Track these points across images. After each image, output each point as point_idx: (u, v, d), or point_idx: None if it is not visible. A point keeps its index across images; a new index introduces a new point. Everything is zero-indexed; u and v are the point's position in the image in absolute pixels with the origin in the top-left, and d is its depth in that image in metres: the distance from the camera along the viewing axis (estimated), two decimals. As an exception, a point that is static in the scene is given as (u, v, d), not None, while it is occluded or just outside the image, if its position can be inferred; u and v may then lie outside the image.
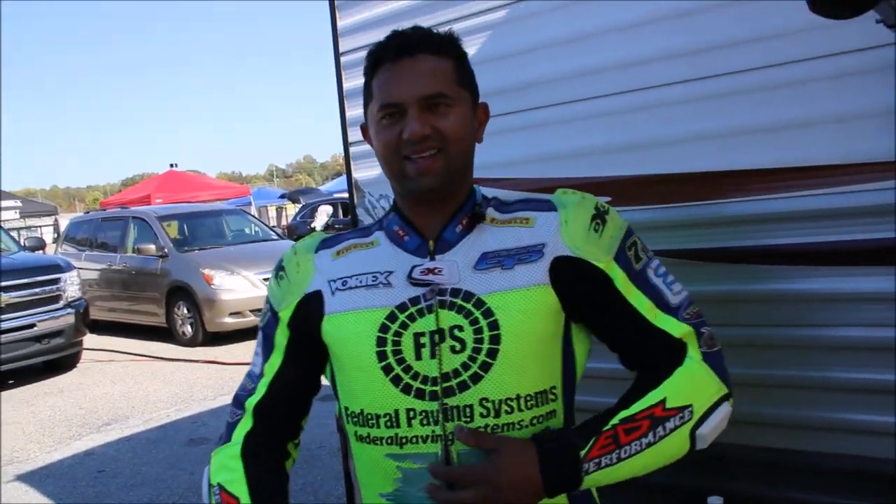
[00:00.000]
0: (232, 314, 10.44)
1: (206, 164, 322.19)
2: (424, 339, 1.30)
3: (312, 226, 21.52)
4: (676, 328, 1.34)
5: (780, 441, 2.07)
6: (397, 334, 1.31)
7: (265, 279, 10.64)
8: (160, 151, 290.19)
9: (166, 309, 11.06)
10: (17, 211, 26.61)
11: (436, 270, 1.33)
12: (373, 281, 1.37)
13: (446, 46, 1.35)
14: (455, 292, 1.31)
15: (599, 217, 1.36)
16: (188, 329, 10.77)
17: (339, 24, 2.96)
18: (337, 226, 21.08)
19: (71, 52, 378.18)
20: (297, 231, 21.96)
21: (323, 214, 21.82)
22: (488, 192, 1.47)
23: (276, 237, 13.43)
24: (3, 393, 8.39)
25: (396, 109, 1.30)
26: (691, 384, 1.31)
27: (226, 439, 1.49)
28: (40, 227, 28.24)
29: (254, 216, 15.41)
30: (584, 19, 2.27)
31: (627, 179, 2.23)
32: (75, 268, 9.84)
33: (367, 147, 3.05)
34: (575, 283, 1.32)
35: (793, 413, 2.04)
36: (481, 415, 1.27)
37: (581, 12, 2.28)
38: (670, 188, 2.16)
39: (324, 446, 5.60)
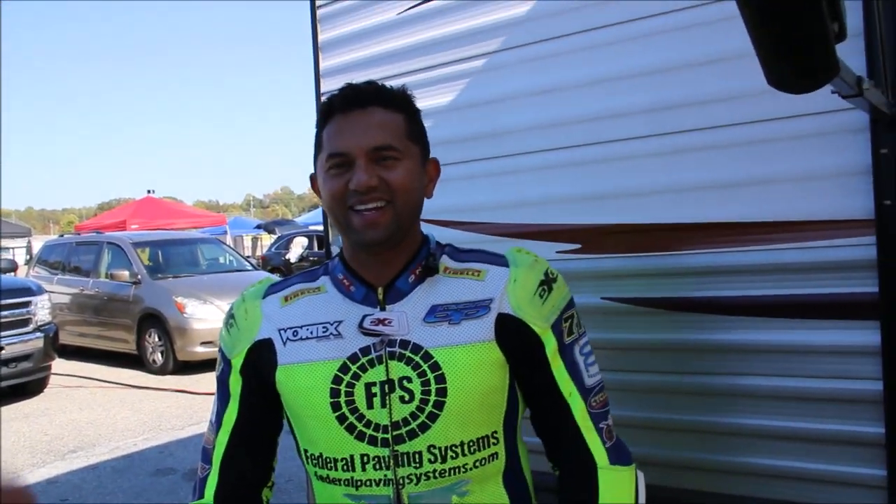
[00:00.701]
0: (203, 343, 10.37)
1: (183, 191, 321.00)
2: (375, 389, 1.34)
3: (287, 257, 21.48)
4: (588, 433, 1.40)
5: (765, 492, 2.09)
6: (350, 385, 1.35)
7: (238, 309, 10.62)
8: (137, 177, 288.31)
9: (137, 336, 10.98)
10: (-11, 232, 26.25)
11: (386, 321, 1.36)
12: (323, 332, 1.39)
13: (398, 101, 1.39)
14: (404, 344, 1.35)
15: (547, 284, 1.40)
16: (159, 357, 10.69)
17: (322, 64, 3.03)
18: (312, 258, 21.04)
19: (52, 73, 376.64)
20: (271, 262, 21.91)
21: (298, 246, 21.79)
22: (441, 237, 1.52)
23: (250, 267, 13.43)
24: (-33, 417, 8.26)
25: (344, 159, 1.32)
26: (615, 494, 1.39)
27: (198, 495, 1.52)
28: (13, 248, 27.88)
29: (229, 246, 15.37)
30: (554, 73, 2.36)
31: (594, 227, 2.30)
32: (46, 291, 9.76)
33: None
34: (514, 341, 1.37)
35: (779, 464, 2.07)
36: (429, 460, 1.34)
37: (551, 66, 2.37)
38: (640, 238, 2.22)
39: (291, 480, 5.56)
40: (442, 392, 1.32)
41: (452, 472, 1.35)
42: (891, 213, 1.85)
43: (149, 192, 25.49)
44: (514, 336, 1.36)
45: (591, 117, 2.30)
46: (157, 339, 10.72)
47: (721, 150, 2.09)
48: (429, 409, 1.33)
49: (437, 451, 1.34)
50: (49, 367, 9.48)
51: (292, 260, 21.42)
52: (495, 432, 1.39)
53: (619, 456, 1.42)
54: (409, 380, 1.33)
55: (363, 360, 1.35)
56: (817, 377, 2.01)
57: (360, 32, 2.86)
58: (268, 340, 1.43)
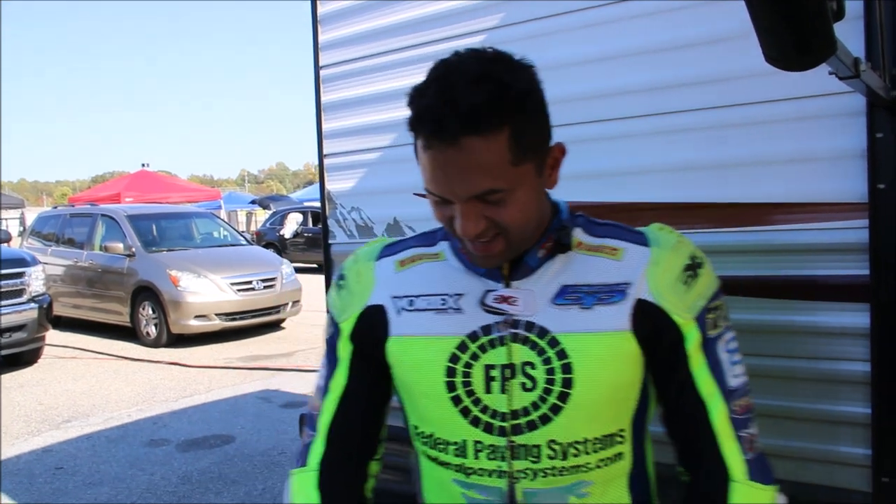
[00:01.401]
0: (197, 317, 10.43)
1: (177, 165, 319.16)
2: (495, 373, 1.23)
3: (281, 233, 21.51)
4: (726, 440, 1.23)
5: None
6: (467, 365, 1.24)
7: (232, 283, 10.67)
8: (132, 150, 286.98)
9: (131, 308, 11.00)
10: (-17, 202, 26.16)
11: (511, 300, 1.23)
12: (441, 304, 1.27)
13: (498, 115, 1.08)
14: (529, 326, 1.22)
15: (693, 269, 1.24)
16: (152, 329, 10.72)
17: (321, 38, 3.04)
18: (306, 234, 21.07)
19: (46, 46, 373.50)
20: (265, 237, 21.92)
21: (292, 222, 21.81)
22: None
23: (244, 242, 13.43)
24: (-39, 386, 8.29)
25: (444, 198, 1.15)
26: None
27: (302, 462, 1.39)
28: (6, 219, 27.82)
29: (223, 220, 15.35)
30: (553, 50, 2.37)
31: (588, 206, 2.31)
32: (41, 263, 9.76)
33: (341, 159, 3.13)
34: (652, 331, 1.22)
35: (765, 442, 2.11)
36: (549, 456, 1.22)
37: (550, 43, 2.38)
38: (633, 217, 2.22)
39: (285, 452, 5.64)
40: (568, 383, 1.20)
41: (573, 470, 1.23)
42: (885, 198, 1.87)
43: (143, 165, 25.46)
44: (652, 326, 1.21)
45: (588, 95, 2.31)
46: (150, 312, 10.73)
47: (717, 130, 2.10)
48: (552, 399, 1.20)
49: (557, 447, 1.22)
50: (43, 338, 9.49)
51: (287, 236, 21.46)
52: (622, 430, 1.25)
53: (760, 472, 1.24)
54: (533, 366, 1.21)
55: (483, 339, 1.23)
56: (807, 357, 2.04)
57: (360, 6, 2.87)
58: (380, 307, 1.32)
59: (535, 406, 1.21)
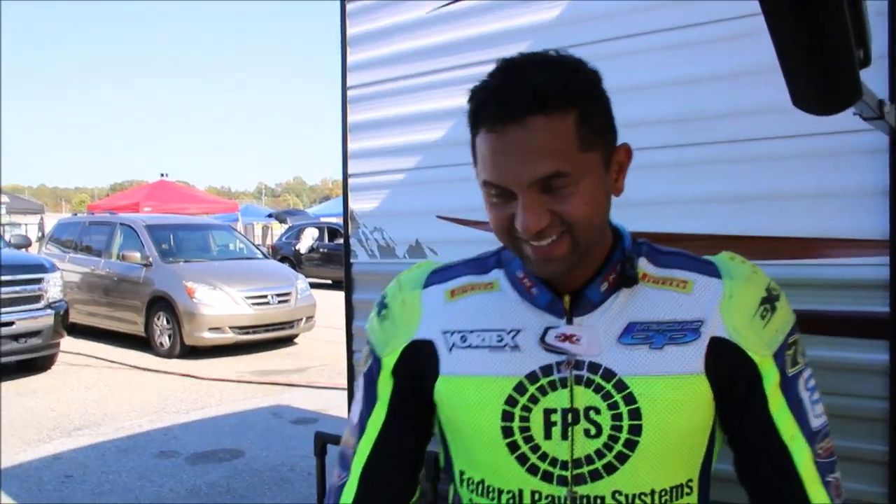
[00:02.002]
0: (211, 329, 10.46)
1: (195, 176, 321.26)
2: (556, 417, 1.13)
3: (297, 248, 21.59)
4: (812, 486, 1.14)
5: None
6: (526, 409, 1.14)
7: (247, 297, 10.70)
8: (150, 160, 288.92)
9: (146, 318, 11.05)
10: (3, 206, 26.47)
11: (573, 338, 1.14)
12: (498, 341, 1.17)
13: (566, 95, 1.04)
14: (594, 367, 1.12)
15: (770, 302, 1.16)
16: (166, 340, 10.76)
17: (349, 59, 3.08)
18: (321, 249, 21.14)
19: (70, 53, 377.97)
20: (281, 251, 22.01)
21: (308, 237, 21.91)
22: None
23: (260, 256, 13.49)
24: (-25, 389, 8.35)
25: (503, 191, 1.06)
26: None
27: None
28: (25, 224, 28.09)
29: (240, 233, 15.44)
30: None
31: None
32: (59, 269, 9.84)
33: (365, 179, 3.17)
34: (727, 371, 1.13)
35: None
36: None
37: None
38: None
39: (294, 469, 5.63)
40: (636, 430, 1.10)
41: None
42: (905, 235, 1.88)
43: (162, 175, 25.61)
44: (727, 365, 1.12)
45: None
46: (165, 323, 10.78)
47: (739, 163, 2.12)
48: (618, 447, 1.11)
49: (622, 498, 1.12)
50: (58, 345, 9.54)
51: (302, 250, 21.55)
52: (690, 480, 1.16)
53: None
54: (598, 411, 1.11)
55: (543, 381, 1.13)
56: (825, 393, 2.03)
57: (389, 28, 2.91)
58: (428, 342, 1.21)
59: (600, 454, 1.12)
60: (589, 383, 1.12)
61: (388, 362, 1.25)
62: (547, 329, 1.15)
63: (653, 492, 1.12)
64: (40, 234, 19.33)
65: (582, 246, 1.08)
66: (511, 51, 2.51)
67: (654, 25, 2.24)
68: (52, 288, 9.26)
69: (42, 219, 27.35)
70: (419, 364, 1.22)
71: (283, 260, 19.38)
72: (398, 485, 1.28)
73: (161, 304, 10.83)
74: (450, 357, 1.19)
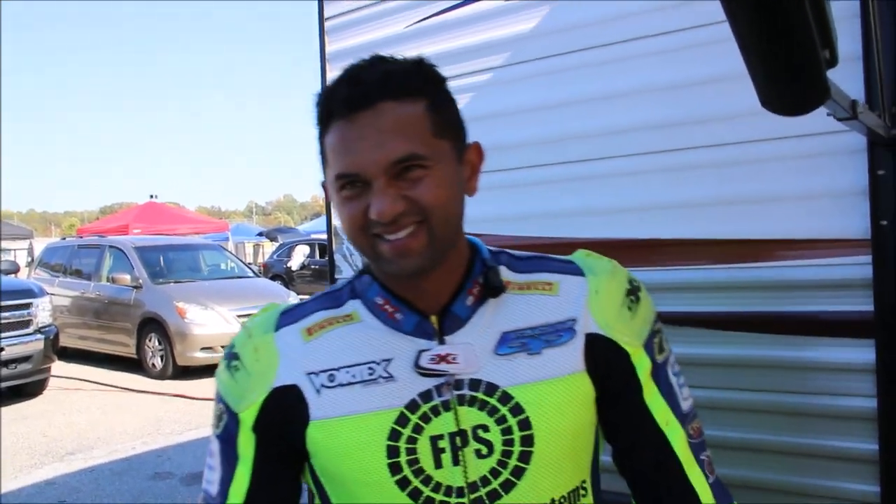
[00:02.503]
0: (203, 349, 10.41)
1: (185, 197, 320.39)
2: (444, 444, 1.07)
3: (288, 265, 21.53)
4: (690, 467, 1.15)
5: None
6: (411, 440, 1.07)
7: (238, 315, 10.64)
8: (140, 182, 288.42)
9: (137, 340, 11.00)
10: (-9, 233, 26.33)
11: (450, 357, 1.09)
12: (369, 374, 1.10)
13: (416, 83, 1.06)
14: (475, 384, 1.08)
15: (633, 293, 1.17)
16: (158, 361, 10.71)
17: (329, 75, 3.08)
18: (313, 266, 21.10)
19: (56, 75, 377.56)
20: (272, 269, 21.95)
21: (299, 254, 21.85)
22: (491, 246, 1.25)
23: (252, 274, 13.47)
24: (-34, 417, 8.28)
25: (357, 180, 1.03)
26: None
27: None
28: (14, 250, 27.94)
29: (231, 252, 15.41)
30: (558, 89, 2.41)
31: (596, 242, 2.33)
32: (48, 294, 9.80)
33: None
34: (605, 366, 1.12)
35: (773, 478, 2.10)
36: None
37: (555, 82, 2.42)
38: (639, 252, 2.26)
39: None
40: (528, 440, 1.07)
41: None
42: (887, 233, 1.88)
43: (151, 196, 25.54)
44: (604, 360, 1.12)
45: (596, 133, 2.34)
46: (157, 344, 10.74)
47: (721, 168, 2.13)
48: (513, 462, 1.07)
49: None
50: (49, 369, 9.49)
51: (294, 268, 21.48)
52: (584, 482, 1.15)
53: (723, 495, 1.17)
54: (486, 428, 1.07)
55: (425, 407, 1.08)
56: (812, 393, 2.04)
57: (367, 45, 2.90)
58: (292, 388, 1.12)
59: (495, 473, 1.07)
60: (472, 401, 1.08)
61: (247, 417, 1.14)
62: (420, 353, 1.09)
63: (553, 501, 1.10)
64: (30, 259, 19.21)
65: (439, 239, 1.05)
66: (493, 62, 2.54)
67: (632, 33, 2.26)
68: (41, 312, 9.21)
69: (31, 244, 27.18)
70: (284, 413, 1.12)
71: (274, 278, 19.33)
72: None
73: (152, 325, 10.79)
74: (319, 400, 1.10)
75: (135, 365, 11.11)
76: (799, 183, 2.02)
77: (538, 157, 2.47)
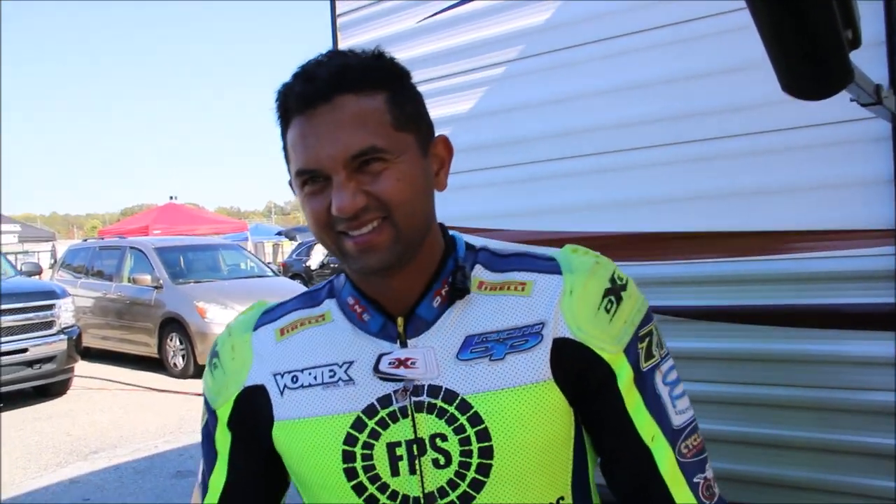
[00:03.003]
0: (224, 348, 10.43)
1: (205, 198, 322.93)
2: (401, 451, 1.04)
3: (307, 264, 21.60)
4: (678, 490, 1.05)
5: (771, 499, 2.10)
6: (367, 446, 1.05)
7: (259, 314, 10.67)
8: (160, 183, 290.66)
9: (159, 340, 11.07)
10: (16, 235, 26.70)
11: (408, 362, 1.05)
12: (330, 377, 1.08)
13: (373, 76, 1.02)
14: (433, 391, 1.04)
15: (614, 293, 1.07)
16: (180, 361, 10.77)
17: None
18: (332, 265, 21.14)
19: (78, 80, 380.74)
20: (292, 269, 22.03)
21: (319, 253, 21.89)
22: (477, 240, 1.21)
23: (271, 274, 13.50)
24: (-9, 417, 8.37)
25: (316, 175, 1.01)
26: None
27: None
28: (38, 252, 28.28)
29: (250, 252, 15.46)
30: (572, 82, 2.39)
31: (611, 236, 2.32)
32: (70, 295, 9.87)
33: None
34: (575, 374, 1.05)
35: (792, 475, 2.08)
36: None
37: (568, 75, 2.40)
38: (656, 246, 2.24)
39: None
40: (487, 453, 1.01)
41: None
42: (912, 223, 1.85)
43: (171, 198, 25.69)
44: (575, 367, 1.04)
45: (609, 126, 2.32)
46: (178, 343, 10.79)
47: (739, 158, 2.10)
48: (471, 474, 1.02)
49: None
50: (72, 370, 9.56)
51: (313, 267, 21.54)
52: (562, 498, 1.07)
53: None
54: (444, 437, 1.02)
55: (383, 413, 1.05)
56: (830, 387, 2.01)
57: (379, 40, 2.88)
58: (260, 388, 1.12)
59: (453, 485, 1.03)
60: (431, 409, 1.03)
61: (223, 414, 1.16)
62: (380, 356, 1.07)
63: None
64: (52, 261, 19.41)
65: (404, 234, 1.01)
66: (504, 56, 2.52)
67: (645, 24, 2.23)
68: (64, 313, 9.28)
69: (54, 246, 27.50)
70: (254, 412, 1.13)
71: (294, 277, 19.40)
72: None
73: (173, 325, 10.84)
74: (282, 401, 1.10)
75: (157, 364, 11.18)
76: (820, 173, 1.99)
77: (550, 151, 2.46)
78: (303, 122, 1.00)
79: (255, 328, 1.18)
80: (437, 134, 1.12)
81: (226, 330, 1.22)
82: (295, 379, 1.10)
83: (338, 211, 0.97)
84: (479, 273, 1.11)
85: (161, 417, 8.25)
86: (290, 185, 1.12)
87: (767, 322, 2.07)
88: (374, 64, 1.03)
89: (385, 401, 1.05)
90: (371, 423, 1.05)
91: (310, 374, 1.10)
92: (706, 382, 2.17)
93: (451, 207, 2.71)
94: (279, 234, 31.83)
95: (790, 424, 2.07)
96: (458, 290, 1.07)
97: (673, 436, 1.06)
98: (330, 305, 1.16)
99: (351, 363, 1.08)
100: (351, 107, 0.99)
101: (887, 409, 1.91)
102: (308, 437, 1.08)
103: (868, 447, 1.95)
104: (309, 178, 1.01)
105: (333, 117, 0.98)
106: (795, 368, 2.05)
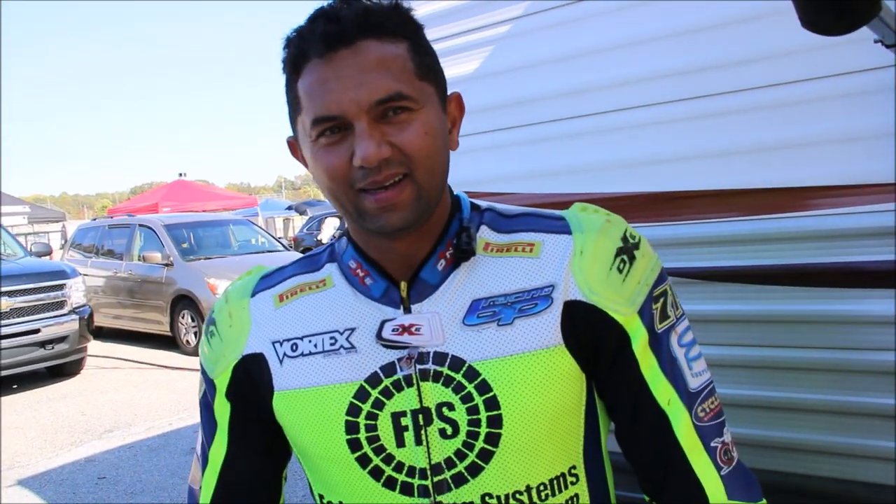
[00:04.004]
0: (236, 324, 10.45)
1: (214, 174, 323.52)
2: (406, 421, 1.00)
3: (319, 238, 21.59)
4: (695, 455, 1.01)
5: (779, 464, 2.07)
6: (371, 416, 1.01)
7: (270, 289, 10.68)
8: (170, 161, 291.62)
9: (171, 317, 11.10)
10: (26, 216, 26.75)
11: (413, 328, 1.01)
12: (331, 344, 1.04)
13: (395, 24, 0.97)
14: (440, 358, 1.00)
15: (627, 252, 1.02)
16: (192, 338, 10.79)
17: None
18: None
19: (85, 60, 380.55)
20: (303, 243, 22.04)
21: (329, 227, 21.85)
22: (482, 201, 1.15)
23: (282, 248, 13.48)
24: (7, 398, 8.41)
25: (338, 124, 0.94)
26: None
27: None
28: (48, 233, 28.38)
29: (260, 227, 15.45)
30: (580, 38, 2.31)
31: (622, 197, 2.26)
32: (80, 274, 9.89)
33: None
34: (588, 337, 1.00)
35: (791, 436, 2.05)
36: None
37: (576, 31, 2.32)
38: (672, 205, 2.18)
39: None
40: (496, 422, 0.98)
41: None
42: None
43: (180, 175, 25.68)
44: (588, 331, 0.99)
45: (617, 83, 2.26)
46: (190, 321, 10.82)
47: (747, 115, 2.04)
48: (479, 444, 0.98)
49: (494, 502, 0.99)
50: (85, 349, 9.61)
51: (324, 241, 21.53)
52: (574, 467, 1.03)
53: (741, 487, 1.02)
54: (451, 406, 0.99)
55: (387, 381, 1.01)
56: (831, 347, 1.97)
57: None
58: (259, 356, 1.08)
59: (461, 455, 0.99)
60: (437, 377, 0.99)
61: (221, 384, 1.12)
62: (383, 322, 1.02)
63: (528, 488, 1.00)
64: (63, 241, 19.46)
65: (425, 191, 0.96)
66: (508, 14, 2.44)
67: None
68: (75, 293, 9.31)
69: (64, 226, 27.58)
70: (253, 382, 1.09)
71: (304, 251, 19.36)
72: None
73: (185, 302, 10.87)
74: (281, 370, 1.06)
75: (169, 342, 11.23)
76: (820, 127, 1.94)
77: (556, 111, 2.39)
78: (321, 66, 0.94)
79: (254, 294, 1.13)
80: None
81: (223, 296, 1.17)
82: (295, 347, 1.06)
83: (362, 160, 0.91)
84: (485, 234, 1.06)
85: (175, 395, 8.29)
86: (289, 143, 1.08)
87: (782, 282, 2.01)
88: (394, 12, 0.98)
89: (389, 369, 1.01)
90: (375, 393, 1.01)
91: (310, 341, 1.06)
92: (721, 346, 2.12)
93: (455, 171, 2.65)
94: (289, 208, 31.82)
95: (785, 385, 2.04)
96: (464, 252, 1.02)
97: (689, 399, 1.02)
98: (331, 270, 1.11)
99: (353, 330, 1.04)
100: (375, 51, 0.93)
101: (888, 368, 1.87)
102: (309, 408, 1.04)
103: (868, 407, 1.92)
104: (327, 129, 0.95)
105: (356, 61, 0.93)
106: (792, 329, 2.02)
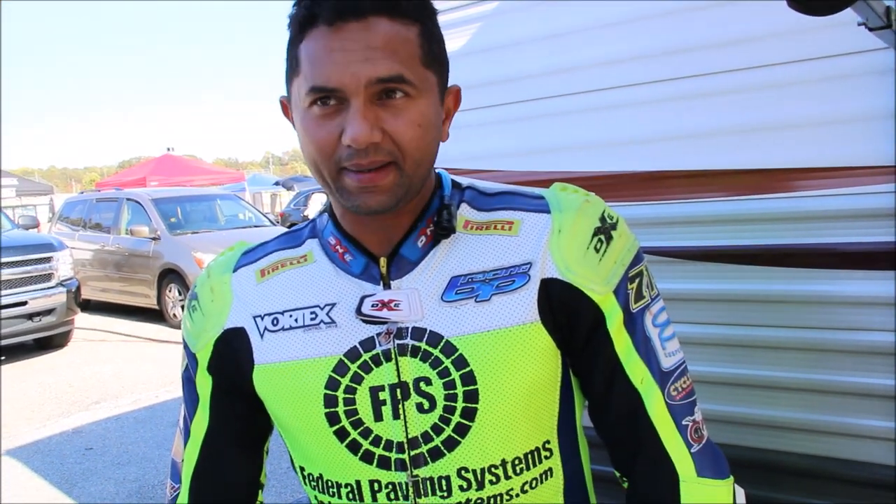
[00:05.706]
0: (223, 298, 10.45)
1: (202, 149, 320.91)
2: (384, 395, 1.01)
3: (305, 214, 21.55)
4: (666, 433, 1.03)
5: (778, 443, 2.09)
6: (349, 390, 1.02)
7: (257, 264, 10.67)
8: (158, 135, 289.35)
9: (158, 291, 11.08)
10: (14, 189, 26.57)
11: (392, 304, 1.02)
12: (311, 319, 1.05)
13: (411, 6, 0.95)
14: (418, 333, 1.01)
15: (604, 231, 1.03)
16: (179, 311, 10.79)
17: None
18: (331, 214, 21.09)
19: (71, 33, 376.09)
20: (290, 218, 21.98)
21: (317, 203, 21.83)
22: (463, 179, 1.16)
23: (268, 223, 13.45)
24: (-7, 369, 8.42)
25: (334, 96, 0.93)
26: None
27: None
28: (36, 206, 28.20)
29: (247, 202, 15.39)
30: (567, 15, 2.31)
31: (608, 175, 2.27)
32: (68, 247, 9.86)
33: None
34: (564, 315, 1.02)
35: (790, 416, 2.07)
36: (461, 487, 1.02)
37: (564, 8, 2.32)
38: (660, 185, 2.20)
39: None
40: (472, 396, 0.99)
41: (494, 500, 1.02)
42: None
43: (168, 149, 25.53)
44: (564, 308, 1.01)
45: (601, 62, 2.26)
46: (177, 294, 10.81)
47: (733, 94, 2.05)
48: (456, 419, 1.00)
49: (471, 476, 1.01)
50: (72, 322, 9.61)
51: (311, 216, 21.45)
52: (548, 442, 1.06)
53: (710, 464, 1.04)
54: (428, 381, 1.00)
55: (366, 356, 1.02)
56: (829, 328, 1.98)
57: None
58: (240, 330, 1.09)
59: (438, 430, 1.01)
60: (415, 352, 1.00)
61: (202, 358, 1.13)
62: (363, 298, 1.03)
63: (504, 462, 1.02)
64: (51, 215, 19.37)
65: (407, 180, 0.96)
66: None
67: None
68: (62, 266, 9.29)
69: (52, 199, 27.41)
70: (233, 356, 1.10)
71: (292, 226, 19.25)
72: (233, 492, 1.18)
73: (172, 276, 10.86)
74: (262, 344, 1.07)
75: (156, 315, 11.23)
76: (819, 108, 1.94)
77: (544, 89, 2.39)
78: (329, 34, 0.92)
79: (235, 269, 1.14)
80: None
81: (205, 271, 1.18)
82: (275, 321, 1.07)
83: (352, 140, 0.90)
84: (465, 212, 1.07)
85: (161, 367, 8.30)
86: (282, 102, 1.07)
87: (766, 263, 2.04)
88: None
89: (368, 344, 1.02)
90: (354, 367, 1.02)
91: (290, 316, 1.07)
92: (704, 325, 2.15)
93: (441, 147, 2.65)
94: (277, 184, 31.69)
95: (788, 366, 2.05)
96: (444, 230, 1.03)
97: (662, 378, 1.04)
98: (312, 246, 1.12)
99: (333, 305, 1.05)
100: (385, 30, 0.91)
101: (887, 350, 1.89)
102: (289, 382, 1.05)
103: (868, 388, 1.94)
104: (320, 98, 0.93)
105: (365, 37, 0.91)
106: (790, 309, 2.03)
